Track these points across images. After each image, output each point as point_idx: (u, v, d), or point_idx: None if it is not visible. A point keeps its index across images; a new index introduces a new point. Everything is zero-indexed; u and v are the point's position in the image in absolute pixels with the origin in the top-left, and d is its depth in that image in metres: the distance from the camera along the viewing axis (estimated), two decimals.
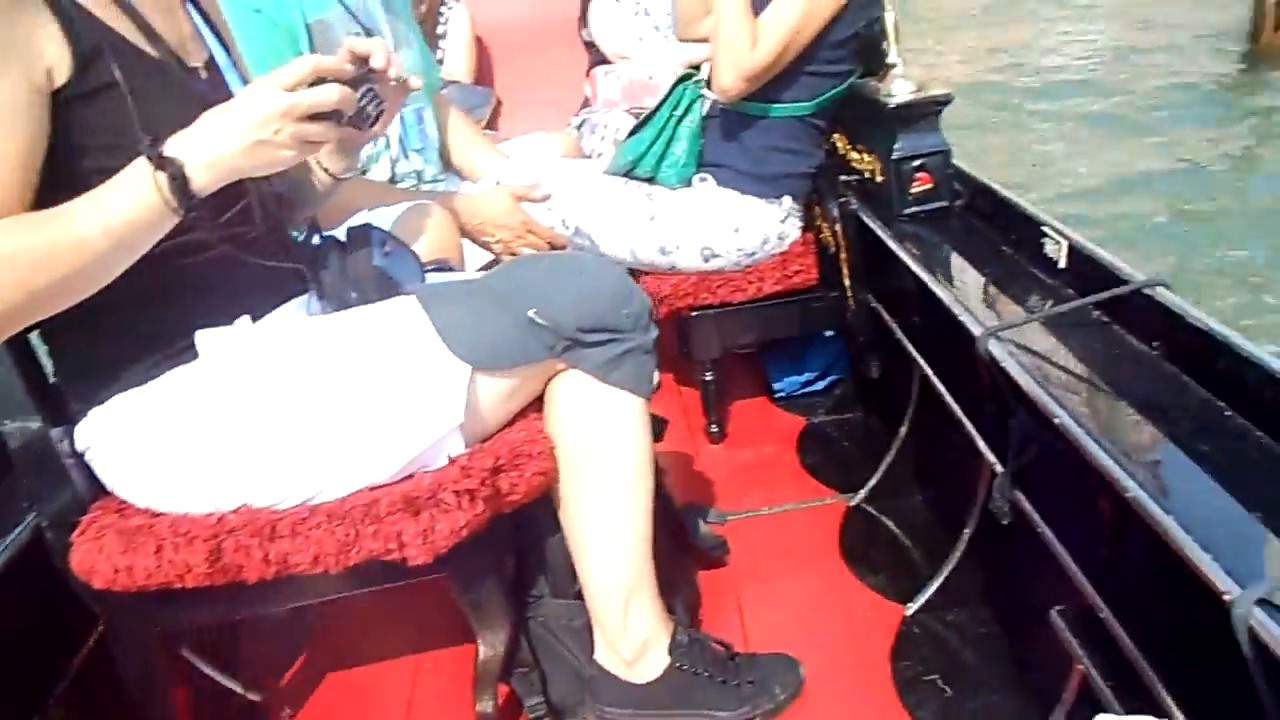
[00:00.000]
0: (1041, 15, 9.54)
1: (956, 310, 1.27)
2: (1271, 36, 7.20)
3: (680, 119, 1.84)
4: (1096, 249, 1.27)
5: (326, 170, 1.22)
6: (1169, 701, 0.87)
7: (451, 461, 1.10)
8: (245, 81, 1.14)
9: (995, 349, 1.14)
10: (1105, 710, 0.96)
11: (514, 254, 1.84)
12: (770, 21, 1.62)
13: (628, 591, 1.23)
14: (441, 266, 1.44)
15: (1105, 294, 1.17)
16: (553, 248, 1.88)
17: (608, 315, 1.14)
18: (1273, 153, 5.78)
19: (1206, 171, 5.46)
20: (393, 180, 1.93)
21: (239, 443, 1.06)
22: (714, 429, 2.09)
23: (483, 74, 2.79)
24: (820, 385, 2.25)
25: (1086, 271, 1.28)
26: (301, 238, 1.28)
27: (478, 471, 1.08)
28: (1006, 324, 1.20)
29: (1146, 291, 1.13)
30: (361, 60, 1.00)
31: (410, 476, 1.10)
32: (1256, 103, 6.51)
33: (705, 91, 1.84)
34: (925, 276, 1.39)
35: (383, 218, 1.55)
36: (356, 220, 1.45)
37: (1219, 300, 3.91)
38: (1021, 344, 1.17)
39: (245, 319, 1.10)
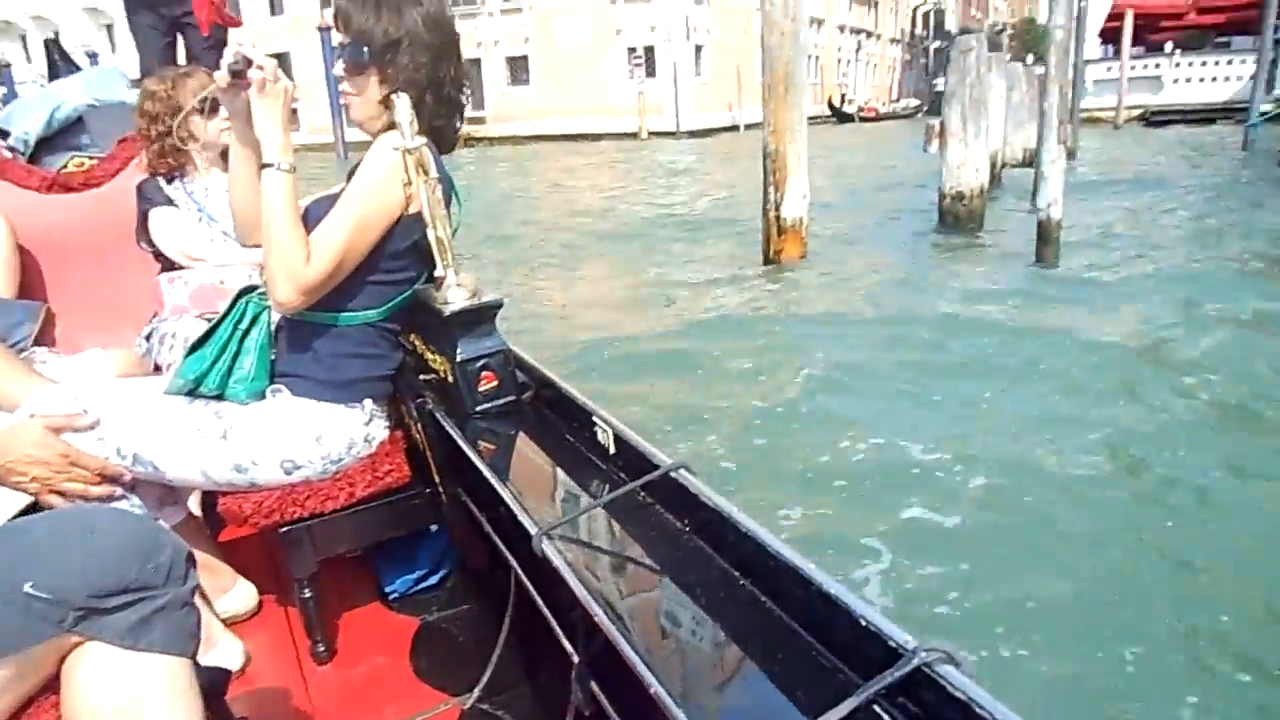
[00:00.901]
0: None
1: (516, 510, 1.32)
2: (778, 241, 9.14)
3: (245, 332, 1.78)
4: (634, 436, 1.39)
5: None
6: None
7: None
8: None
9: (547, 548, 1.19)
10: None
11: (59, 493, 1.63)
12: (322, 239, 1.64)
13: None
14: None
15: (640, 481, 1.28)
16: (105, 479, 1.70)
17: (129, 573, 1.03)
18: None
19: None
20: None
21: None
22: (320, 648, 1.95)
23: (31, 288, 2.51)
24: (434, 579, 2.20)
25: (631, 457, 1.39)
26: None
27: None
28: (559, 521, 1.26)
29: (673, 475, 1.26)
30: None
31: None
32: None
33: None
34: (491, 477, 1.44)
35: None
36: None
37: None
38: (573, 538, 1.23)
39: None
